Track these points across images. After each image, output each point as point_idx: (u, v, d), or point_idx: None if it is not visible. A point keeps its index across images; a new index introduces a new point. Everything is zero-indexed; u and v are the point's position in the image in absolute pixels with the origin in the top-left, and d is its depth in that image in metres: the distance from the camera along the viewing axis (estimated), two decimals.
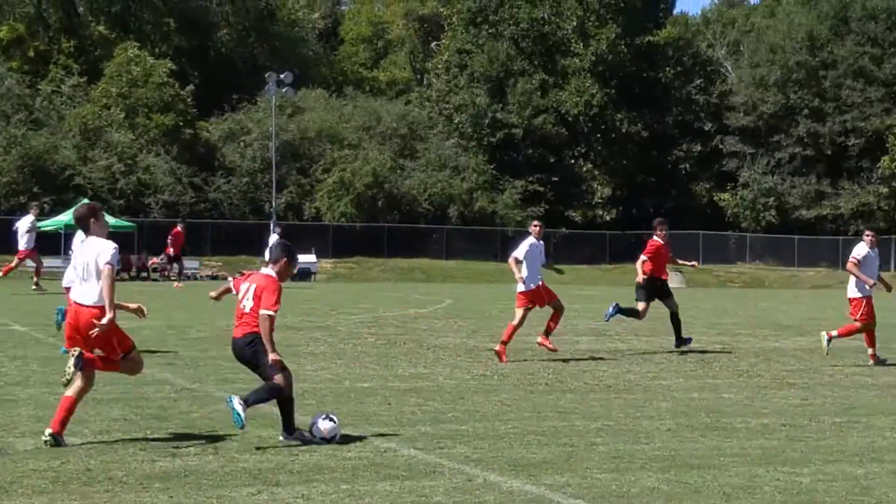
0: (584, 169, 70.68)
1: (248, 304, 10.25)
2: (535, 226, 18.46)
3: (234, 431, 10.24)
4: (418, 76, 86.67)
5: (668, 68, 74.48)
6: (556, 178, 69.91)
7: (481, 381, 14.95)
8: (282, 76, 60.15)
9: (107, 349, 9.99)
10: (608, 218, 70.26)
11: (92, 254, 10.07)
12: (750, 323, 26.95)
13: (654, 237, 19.67)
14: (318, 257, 54.46)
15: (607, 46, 71.28)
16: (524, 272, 17.63)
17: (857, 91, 71.65)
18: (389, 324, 23.05)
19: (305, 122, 68.93)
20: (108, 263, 9.93)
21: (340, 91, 77.20)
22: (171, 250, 41.77)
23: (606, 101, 70.80)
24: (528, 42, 72.15)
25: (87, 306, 9.96)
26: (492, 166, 68.50)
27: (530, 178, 69.29)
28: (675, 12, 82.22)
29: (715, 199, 74.58)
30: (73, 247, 12.10)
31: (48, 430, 9.74)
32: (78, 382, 9.87)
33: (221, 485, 8.55)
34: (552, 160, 70.25)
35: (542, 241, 18.19)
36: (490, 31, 72.29)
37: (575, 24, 72.39)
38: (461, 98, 70.47)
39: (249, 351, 10.27)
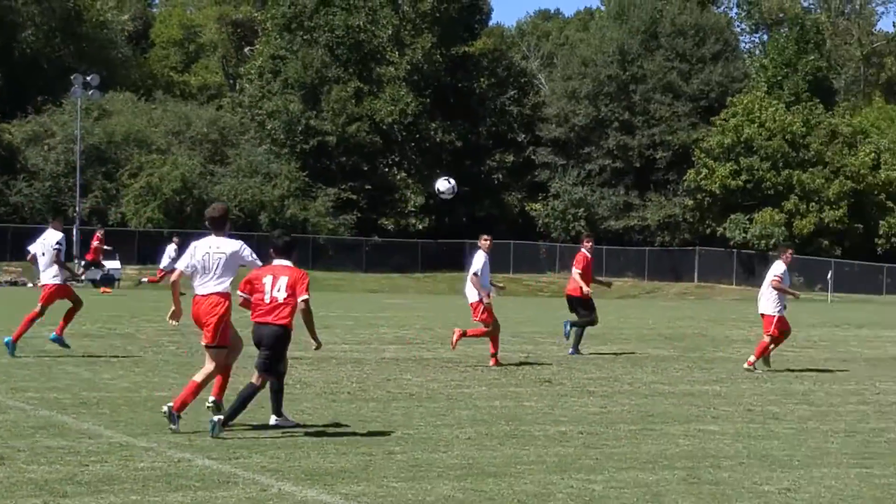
0: (398, 177, 70.78)
1: (280, 294, 11.15)
2: (486, 239, 19.06)
3: (20, 442, 9.85)
4: (231, 81, 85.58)
5: (482, 79, 75.18)
6: (369, 187, 69.83)
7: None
8: (88, 78, 58.71)
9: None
10: (421, 227, 70.49)
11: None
12: (555, 332, 27.20)
13: (583, 250, 20.94)
14: (122, 264, 53.02)
15: (423, 56, 71.58)
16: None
17: (665, 105, 73.47)
18: (192, 332, 22.48)
19: (112, 126, 67.30)
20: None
21: (150, 95, 75.66)
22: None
23: (421, 110, 71.06)
24: (343, 49, 71.92)
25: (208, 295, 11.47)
26: (304, 173, 68.03)
27: (343, 186, 69.03)
28: (490, 24, 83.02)
29: (527, 209, 75.56)
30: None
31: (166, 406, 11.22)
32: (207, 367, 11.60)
33: (6, 496, 8.22)
34: (366, 168, 70.14)
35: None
36: (305, 37, 71.81)
37: (390, 32, 72.50)
38: (274, 104, 69.79)
39: (275, 341, 11.19)
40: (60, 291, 18.13)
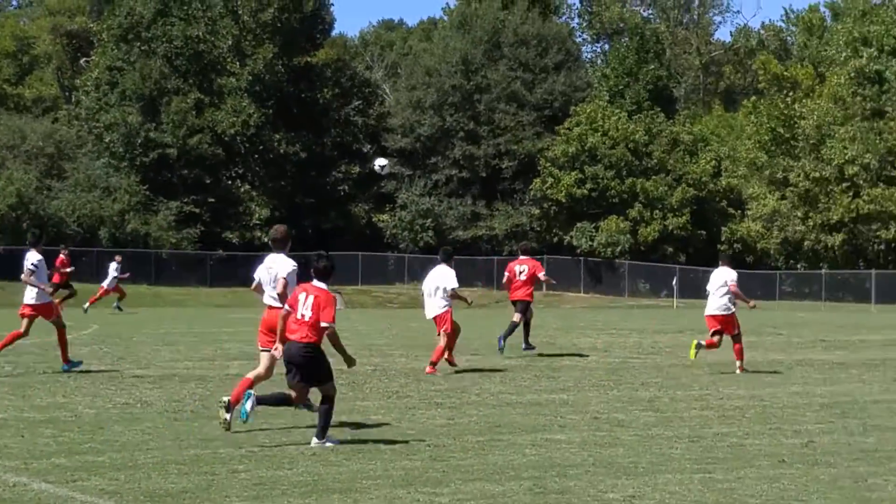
0: (242, 190, 69.90)
1: (307, 313, 11.67)
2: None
3: None
4: (67, 93, 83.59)
5: (326, 89, 74.79)
6: (212, 199, 68.81)
7: (123, 410, 14.31)
8: None
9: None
10: (266, 239, 69.58)
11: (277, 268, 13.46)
12: (403, 343, 27.11)
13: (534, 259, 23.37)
14: None
15: (264, 66, 70.88)
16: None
17: (509, 115, 74.02)
18: (28, 351, 21.77)
19: None
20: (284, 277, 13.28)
21: None
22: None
23: (264, 121, 70.34)
24: (182, 60, 70.75)
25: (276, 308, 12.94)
26: (145, 187, 66.73)
27: (185, 199, 67.89)
28: (333, 34, 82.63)
29: (374, 220, 75.43)
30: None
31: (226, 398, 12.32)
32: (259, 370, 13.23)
33: None
34: (208, 181, 69.08)
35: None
36: (142, 48, 70.42)
37: (231, 43, 71.66)
38: (112, 116, 68.25)
39: (304, 359, 11.65)
40: (40, 311, 18.59)
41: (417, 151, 76.01)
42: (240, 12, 72.79)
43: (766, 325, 34.88)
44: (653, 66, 78.90)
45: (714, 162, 75.40)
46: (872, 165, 67.54)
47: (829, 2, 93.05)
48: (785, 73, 78.68)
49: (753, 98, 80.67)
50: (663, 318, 43.57)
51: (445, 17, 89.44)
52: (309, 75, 74.44)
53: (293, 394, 11.96)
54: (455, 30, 79.93)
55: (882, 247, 68.70)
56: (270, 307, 13.25)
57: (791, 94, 75.27)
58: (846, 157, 67.63)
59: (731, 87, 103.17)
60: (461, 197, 74.94)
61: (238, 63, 71.11)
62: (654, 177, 72.29)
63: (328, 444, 11.58)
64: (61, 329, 18.77)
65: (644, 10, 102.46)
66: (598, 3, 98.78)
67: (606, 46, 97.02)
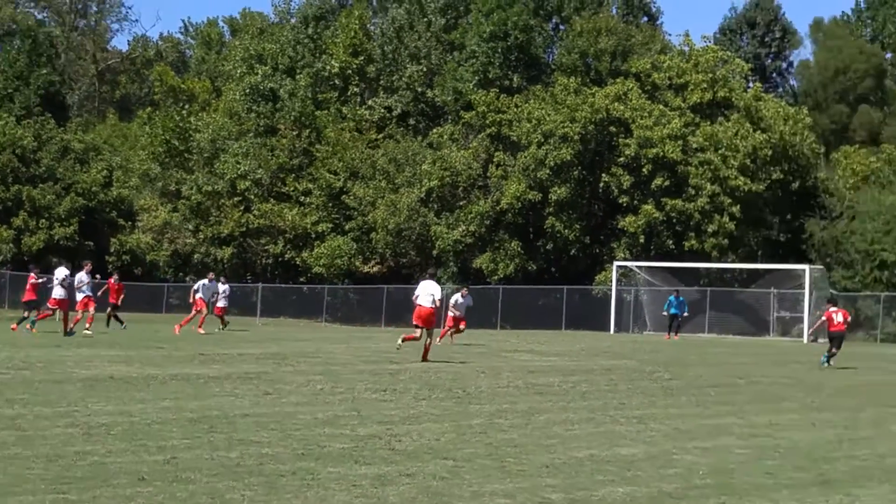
0: None
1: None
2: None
3: None
4: None
5: None
6: None
7: None
8: None
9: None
10: None
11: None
12: None
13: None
14: None
15: None
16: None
17: None
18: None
19: None
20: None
21: None
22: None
23: None
24: None
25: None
26: None
27: None
28: None
29: None
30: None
31: None
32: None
33: None
34: None
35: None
36: None
37: None
38: None
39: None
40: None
41: None
42: None
43: (150, 340, 34.67)
44: (45, 71, 76.69)
45: (105, 171, 74.47)
46: (264, 181, 69.66)
47: (228, 17, 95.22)
48: (182, 86, 79.38)
49: (149, 109, 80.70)
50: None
51: None
52: None
53: None
54: None
55: (270, 260, 70.91)
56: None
57: (187, 106, 76.08)
58: (238, 172, 69.25)
59: (128, 96, 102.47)
60: None
61: None
62: (41, 185, 70.11)
63: None
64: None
65: (38, 13, 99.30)
66: None
67: None
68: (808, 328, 52.73)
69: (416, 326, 27.42)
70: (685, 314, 50.55)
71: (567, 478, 11.90)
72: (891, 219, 58.99)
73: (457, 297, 37.22)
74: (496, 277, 62.90)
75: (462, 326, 37.16)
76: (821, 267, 58.31)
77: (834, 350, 32.41)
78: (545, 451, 13.68)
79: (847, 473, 12.84)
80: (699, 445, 14.67)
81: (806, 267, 55.80)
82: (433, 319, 27.49)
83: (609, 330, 57.11)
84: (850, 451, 14.72)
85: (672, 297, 50.26)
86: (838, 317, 32.90)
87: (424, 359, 27.23)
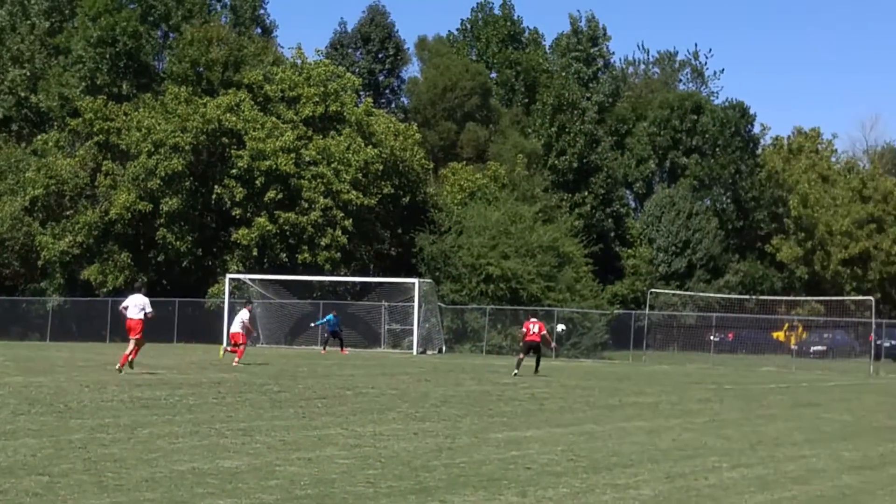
0: None
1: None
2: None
3: None
4: None
5: None
6: None
7: None
8: None
9: None
10: None
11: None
12: None
13: None
14: None
15: None
16: None
17: None
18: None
19: None
20: None
21: None
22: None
23: None
24: None
25: None
26: None
27: None
28: None
29: None
30: None
31: None
32: None
33: None
34: None
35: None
36: None
37: None
38: None
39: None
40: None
41: None
42: None
43: None
44: None
45: None
46: None
47: None
48: None
49: None
50: None
51: None
52: None
53: None
54: None
55: None
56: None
57: None
58: None
59: None
60: None
61: None
62: None
63: None
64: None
65: None
66: None
67: None
68: (417, 341, 54.45)
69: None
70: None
71: (166, 491, 11.54)
72: (496, 234, 61.54)
73: (244, 313, 38.92)
74: (105, 290, 60.95)
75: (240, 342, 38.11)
76: (430, 280, 59.95)
77: (522, 356, 35.36)
78: (146, 465, 13.26)
79: (444, 481, 13.06)
80: (303, 456, 14.60)
81: (416, 280, 57.25)
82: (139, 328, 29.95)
83: (222, 343, 56.57)
84: (449, 459, 15.02)
85: (331, 316, 52.97)
86: (534, 328, 35.07)
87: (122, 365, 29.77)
